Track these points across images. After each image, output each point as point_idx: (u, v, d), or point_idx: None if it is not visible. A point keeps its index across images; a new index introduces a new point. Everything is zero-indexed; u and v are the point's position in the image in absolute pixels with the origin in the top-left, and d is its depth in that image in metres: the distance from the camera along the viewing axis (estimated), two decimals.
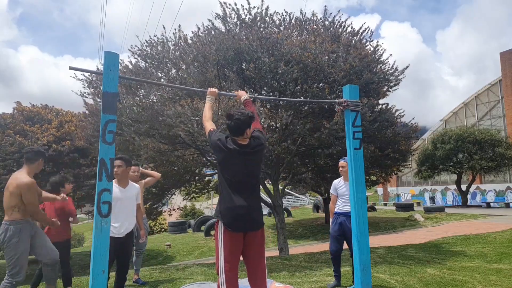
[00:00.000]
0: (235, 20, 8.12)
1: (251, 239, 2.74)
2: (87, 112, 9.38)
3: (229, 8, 8.02)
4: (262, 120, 6.64)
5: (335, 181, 4.75)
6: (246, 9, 8.00)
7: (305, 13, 8.78)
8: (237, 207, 2.64)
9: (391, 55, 10.05)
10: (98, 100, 8.59)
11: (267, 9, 8.13)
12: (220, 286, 2.66)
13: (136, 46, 8.50)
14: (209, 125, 2.97)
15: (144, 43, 8.40)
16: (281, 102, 7.55)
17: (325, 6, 8.79)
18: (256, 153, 2.78)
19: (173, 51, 8.20)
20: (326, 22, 8.68)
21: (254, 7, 8.07)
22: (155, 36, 8.45)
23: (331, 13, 8.75)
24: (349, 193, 4.48)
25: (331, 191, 4.78)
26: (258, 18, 8.06)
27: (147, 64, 8.39)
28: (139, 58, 8.46)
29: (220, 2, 7.95)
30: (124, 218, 3.93)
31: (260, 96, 6.36)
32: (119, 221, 3.92)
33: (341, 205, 4.57)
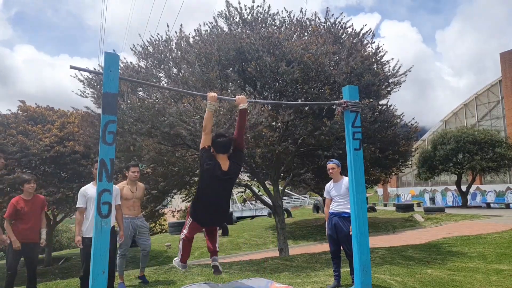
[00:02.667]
0: (238, 19, 8.14)
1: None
2: (80, 111, 9.43)
3: (233, 7, 8.05)
4: (263, 120, 6.68)
5: (327, 185, 4.82)
6: (249, 8, 8.02)
7: (305, 10, 8.80)
8: (205, 216, 3.32)
9: (393, 59, 9.98)
10: (97, 106, 8.61)
11: (269, 7, 8.16)
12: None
13: (138, 45, 8.51)
14: (205, 140, 3.23)
15: (146, 42, 8.41)
16: (282, 104, 7.56)
17: (327, 7, 8.79)
18: (233, 179, 3.36)
19: (175, 50, 8.21)
20: (328, 23, 8.68)
21: (258, 6, 8.09)
22: (157, 34, 8.47)
23: (332, 14, 8.74)
24: (339, 195, 4.54)
25: (325, 195, 4.85)
26: (260, 17, 8.08)
27: (147, 63, 8.40)
28: (140, 57, 8.47)
29: (227, 1, 7.99)
30: None
31: (260, 100, 6.38)
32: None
33: (333, 206, 4.64)
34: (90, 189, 4.31)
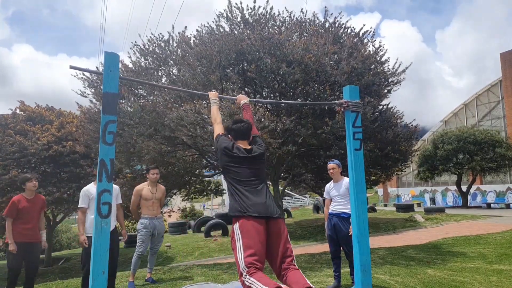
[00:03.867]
0: (239, 19, 8.13)
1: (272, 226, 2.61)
2: (79, 112, 9.48)
3: (235, 7, 8.05)
4: (267, 124, 6.67)
5: (327, 185, 4.81)
6: (251, 8, 8.01)
7: (306, 11, 8.81)
8: (255, 204, 2.56)
9: (396, 59, 9.92)
10: (96, 102, 8.62)
11: (271, 9, 8.15)
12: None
13: (138, 44, 8.51)
14: (218, 128, 3.01)
15: (147, 41, 8.40)
16: (282, 104, 7.55)
17: (325, 7, 8.79)
18: (259, 157, 2.83)
19: (176, 50, 8.21)
20: (327, 24, 8.68)
21: (260, 6, 8.09)
22: (160, 34, 8.48)
23: (331, 14, 8.75)
24: (338, 195, 4.53)
25: (325, 195, 4.84)
26: (262, 18, 8.07)
27: (148, 63, 8.39)
28: (140, 56, 8.47)
29: (229, 1, 7.99)
30: None
31: (261, 100, 6.37)
32: None
33: (333, 206, 4.63)
34: (92, 189, 4.30)
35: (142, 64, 8.41)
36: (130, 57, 8.72)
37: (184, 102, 6.93)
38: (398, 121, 9.42)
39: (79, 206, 4.30)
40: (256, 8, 8.06)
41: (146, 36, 8.49)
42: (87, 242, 4.13)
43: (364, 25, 8.75)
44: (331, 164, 4.64)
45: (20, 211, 4.35)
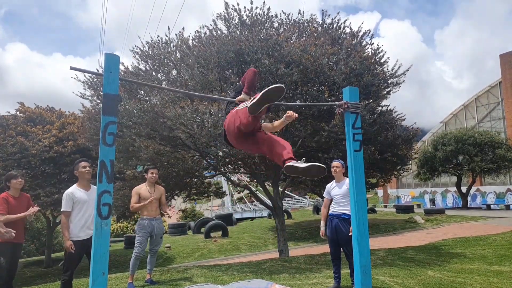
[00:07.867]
0: (237, 21, 8.14)
1: None
2: (82, 114, 9.50)
3: (232, 9, 8.05)
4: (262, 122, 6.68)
5: (328, 185, 4.78)
6: (248, 9, 8.02)
7: (303, 12, 8.76)
8: None
9: (396, 61, 9.81)
10: (98, 101, 8.65)
11: (268, 9, 8.15)
12: None
13: (137, 46, 8.52)
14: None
15: (146, 44, 8.42)
16: (281, 106, 7.55)
17: (323, 10, 8.78)
18: None
19: (174, 53, 8.22)
20: (325, 25, 8.68)
21: (257, 7, 8.09)
22: (158, 36, 8.51)
23: (329, 15, 8.73)
24: (340, 194, 4.51)
25: (325, 194, 4.81)
26: (260, 19, 8.08)
27: (147, 65, 8.41)
28: (139, 59, 8.48)
29: (226, 2, 7.99)
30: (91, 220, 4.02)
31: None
32: (87, 223, 4.05)
33: (334, 207, 4.61)
34: (77, 192, 4.12)
35: (142, 67, 8.43)
36: (126, 66, 8.76)
37: (182, 101, 6.93)
38: (398, 122, 9.39)
39: (62, 209, 4.03)
40: (253, 9, 8.07)
41: (147, 42, 8.49)
42: (74, 247, 3.97)
43: (362, 23, 8.72)
44: (335, 162, 4.61)
45: (9, 209, 4.19)
